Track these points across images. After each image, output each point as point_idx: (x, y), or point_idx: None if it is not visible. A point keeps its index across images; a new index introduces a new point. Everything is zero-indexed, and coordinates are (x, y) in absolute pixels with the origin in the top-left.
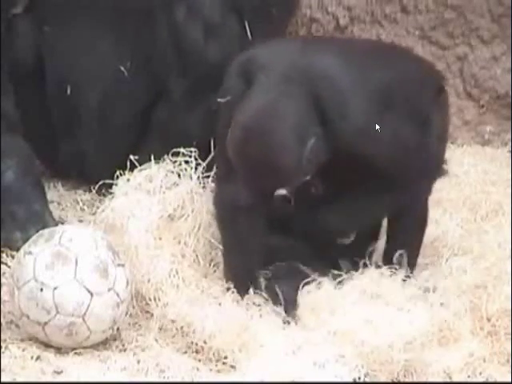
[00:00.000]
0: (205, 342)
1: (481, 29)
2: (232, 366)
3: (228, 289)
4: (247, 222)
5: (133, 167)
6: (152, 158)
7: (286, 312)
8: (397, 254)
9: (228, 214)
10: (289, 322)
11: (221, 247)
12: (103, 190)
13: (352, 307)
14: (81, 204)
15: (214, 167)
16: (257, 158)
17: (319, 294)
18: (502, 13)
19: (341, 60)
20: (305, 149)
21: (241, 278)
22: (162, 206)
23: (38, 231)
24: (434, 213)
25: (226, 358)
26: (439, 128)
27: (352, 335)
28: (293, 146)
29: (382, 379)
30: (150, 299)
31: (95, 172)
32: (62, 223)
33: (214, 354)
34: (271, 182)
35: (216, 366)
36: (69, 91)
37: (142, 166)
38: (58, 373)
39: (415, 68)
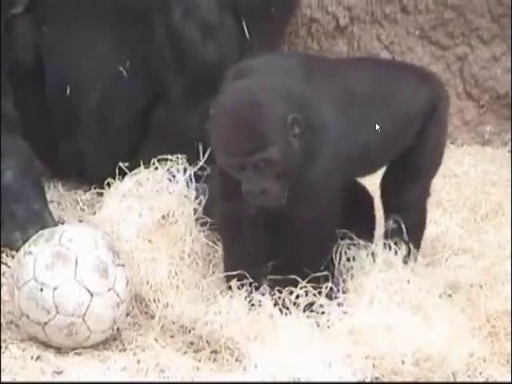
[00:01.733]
0: (214, 334)
1: (481, 29)
2: (237, 360)
3: (239, 287)
4: (250, 233)
5: (123, 173)
6: (149, 161)
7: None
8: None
9: (231, 227)
10: (317, 325)
11: (217, 248)
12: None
13: (378, 310)
14: (81, 204)
15: (208, 169)
16: (241, 115)
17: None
18: (502, 13)
19: (334, 106)
20: (287, 116)
21: (245, 278)
22: (153, 210)
23: (37, 231)
24: (434, 213)
25: (237, 345)
26: (435, 140)
27: (367, 338)
28: (276, 106)
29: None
30: (150, 300)
31: (95, 172)
32: (62, 223)
33: (223, 344)
34: (257, 138)
35: (218, 362)
36: (68, 91)
37: (133, 172)
38: (58, 373)
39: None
